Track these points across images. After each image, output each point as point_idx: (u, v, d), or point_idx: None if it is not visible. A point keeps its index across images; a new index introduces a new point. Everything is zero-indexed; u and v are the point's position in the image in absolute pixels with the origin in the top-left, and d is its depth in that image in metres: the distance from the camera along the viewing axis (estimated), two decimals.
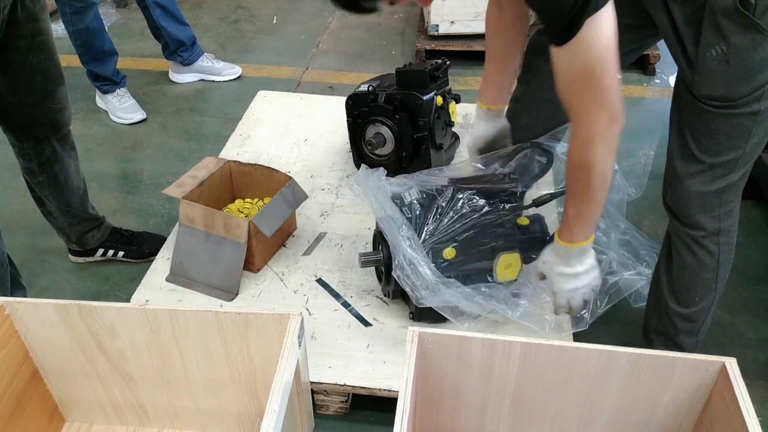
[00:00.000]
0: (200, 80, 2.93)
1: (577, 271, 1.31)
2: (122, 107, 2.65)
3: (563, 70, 1.09)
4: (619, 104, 1.11)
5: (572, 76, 1.09)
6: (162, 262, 1.70)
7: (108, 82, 2.63)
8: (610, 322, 1.78)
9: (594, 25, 1.01)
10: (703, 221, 1.33)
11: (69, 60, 2.59)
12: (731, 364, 1.01)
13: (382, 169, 1.49)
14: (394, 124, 1.78)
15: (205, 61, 2.91)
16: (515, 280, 1.48)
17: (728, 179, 1.27)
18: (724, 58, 1.14)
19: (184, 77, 2.93)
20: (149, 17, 2.72)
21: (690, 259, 1.37)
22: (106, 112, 2.70)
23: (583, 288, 1.33)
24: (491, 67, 1.53)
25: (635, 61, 2.92)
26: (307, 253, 1.73)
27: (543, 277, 1.39)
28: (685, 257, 1.38)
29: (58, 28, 3.24)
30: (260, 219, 1.56)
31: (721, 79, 1.16)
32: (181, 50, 2.82)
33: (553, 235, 1.34)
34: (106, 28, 2.62)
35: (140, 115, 2.66)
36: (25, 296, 1.64)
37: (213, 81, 2.93)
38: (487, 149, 1.58)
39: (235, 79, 2.95)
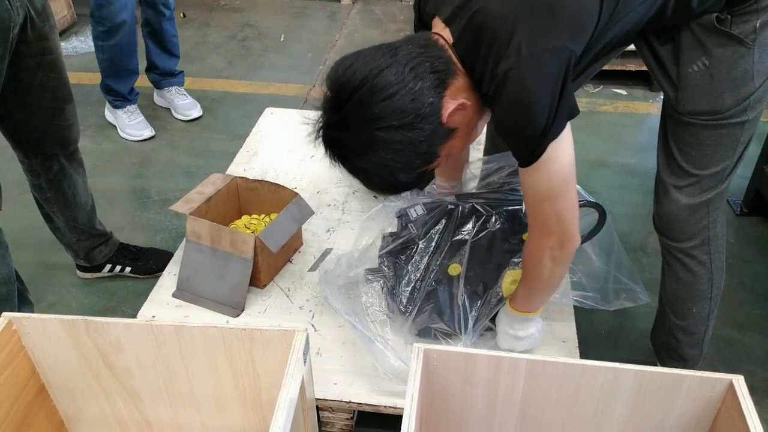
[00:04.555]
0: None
1: (517, 335, 1.41)
2: (131, 124, 2.67)
3: (527, 188, 1.17)
4: (573, 227, 1.19)
5: (534, 195, 1.16)
6: (169, 278, 1.70)
7: (121, 98, 2.65)
8: (617, 339, 1.77)
9: (555, 149, 1.08)
10: (693, 232, 1.34)
11: (78, 77, 2.64)
12: (738, 382, 1.01)
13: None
14: None
15: (173, 93, 2.86)
16: None
17: (717, 189, 1.28)
18: (708, 72, 1.16)
19: (157, 98, 2.94)
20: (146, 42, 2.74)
21: (683, 272, 1.38)
22: (115, 128, 2.72)
23: (521, 350, 1.41)
24: None
25: (640, 77, 2.96)
26: (313, 269, 1.73)
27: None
28: (677, 270, 1.39)
29: (68, 46, 3.29)
30: (266, 235, 1.57)
31: (705, 94, 1.18)
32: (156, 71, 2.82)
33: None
34: None
35: (149, 132, 2.68)
36: (32, 312, 1.65)
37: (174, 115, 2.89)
38: None
39: (190, 120, 2.84)
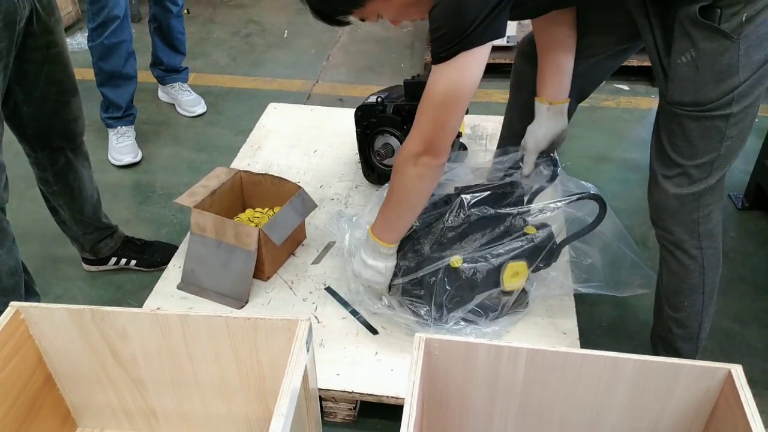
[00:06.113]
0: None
1: (366, 262, 1.45)
2: (118, 147, 2.50)
3: (428, 87, 1.22)
4: (445, 143, 1.25)
5: (429, 95, 1.21)
6: (174, 271, 1.72)
7: (116, 112, 2.48)
8: (618, 331, 1.78)
9: (464, 60, 1.15)
10: (682, 224, 1.34)
11: (83, 73, 2.64)
12: (737, 371, 1.02)
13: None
14: (403, 134, 1.80)
15: (176, 89, 2.86)
16: (522, 288, 1.49)
17: (706, 182, 1.28)
18: (694, 64, 1.17)
19: (161, 94, 2.95)
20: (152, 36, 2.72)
21: (674, 264, 1.39)
22: None
23: (363, 278, 1.47)
24: (546, 60, 1.48)
25: (643, 72, 2.97)
26: (316, 261, 1.75)
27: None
28: (670, 262, 1.40)
29: (72, 42, 3.31)
30: (270, 228, 1.58)
31: (691, 86, 1.19)
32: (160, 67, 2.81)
33: None
34: None
35: (130, 158, 2.49)
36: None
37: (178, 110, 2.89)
38: (549, 149, 1.54)
39: (196, 116, 2.84)
